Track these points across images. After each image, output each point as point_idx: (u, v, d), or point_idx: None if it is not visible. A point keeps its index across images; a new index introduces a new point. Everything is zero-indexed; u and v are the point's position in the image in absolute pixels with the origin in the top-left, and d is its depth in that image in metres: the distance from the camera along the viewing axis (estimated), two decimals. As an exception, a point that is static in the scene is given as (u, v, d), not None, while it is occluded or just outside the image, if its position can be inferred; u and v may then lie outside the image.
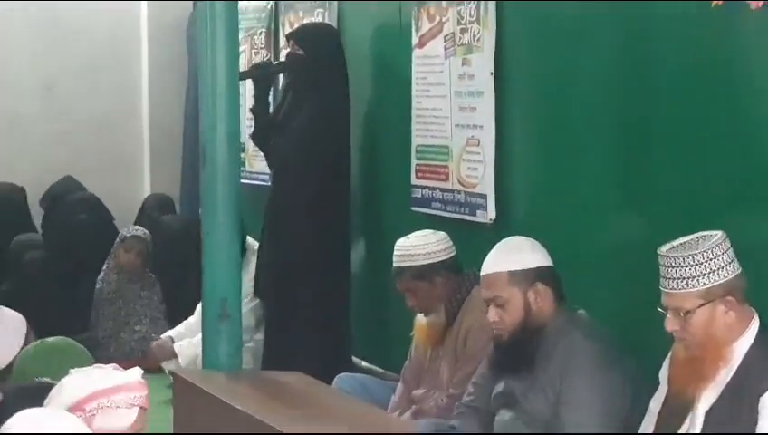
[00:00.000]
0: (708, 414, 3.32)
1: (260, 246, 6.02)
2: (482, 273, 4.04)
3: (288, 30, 6.47)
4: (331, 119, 5.72)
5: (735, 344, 3.32)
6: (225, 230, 4.61)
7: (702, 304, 3.31)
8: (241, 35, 6.93)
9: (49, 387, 2.86)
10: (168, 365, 5.99)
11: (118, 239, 6.88)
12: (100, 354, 6.34)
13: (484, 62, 4.97)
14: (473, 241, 4.78)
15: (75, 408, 2.77)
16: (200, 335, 4.89)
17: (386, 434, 3.74)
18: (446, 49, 5.26)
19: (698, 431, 3.31)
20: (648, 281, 3.54)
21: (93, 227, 7.24)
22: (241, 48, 7.01)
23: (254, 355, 5.89)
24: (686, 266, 3.31)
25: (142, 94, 8.49)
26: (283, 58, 6.33)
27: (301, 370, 4.50)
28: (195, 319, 6.15)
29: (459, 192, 5.21)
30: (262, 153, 6.18)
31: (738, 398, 3.27)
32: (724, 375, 3.31)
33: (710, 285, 3.30)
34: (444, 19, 5.28)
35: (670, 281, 3.34)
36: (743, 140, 3.82)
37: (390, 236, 4.83)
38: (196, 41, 5.82)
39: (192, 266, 5.32)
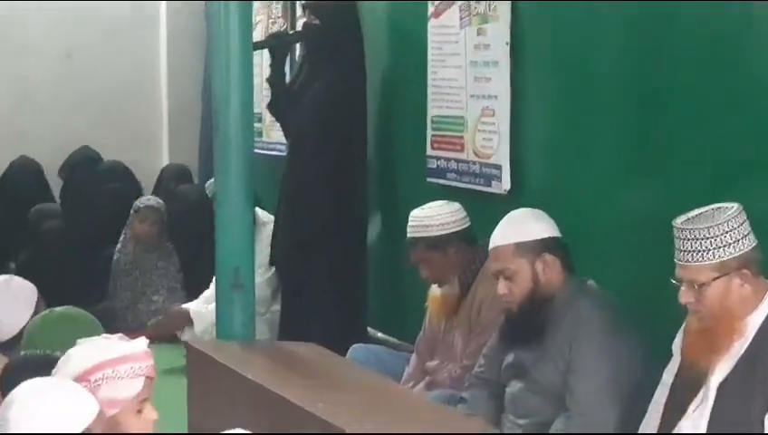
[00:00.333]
0: (721, 387, 3.30)
1: (276, 217, 6.02)
2: (490, 246, 4.03)
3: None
4: (347, 89, 5.71)
5: (750, 317, 3.30)
6: (237, 200, 4.61)
7: (717, 277, 3.29)
8: (258, 5, 6.93)
9: (55, 360, 2.86)
10: (184, 335, 6.00)
11: (132, 210, 6.89)
12: (118, 325, 6.39)
13: (499, 32, 4.94)
14: (488, 212, 4.75)
15: (81, 378, 2.77)
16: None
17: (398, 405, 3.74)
18: (461, 19, 5.22)
19: (711, 403, 3.29)
20: (662, 252, 3.52)
21: (123, 195, 7.25)
22: (258, 18, 7.01)
23: (270, 326, 5.90)
24: (702, 239, 3.28)
25: (161, 64, 8.50)
26: (299, 28, 6.32)
27: (317, 340, 4.50)
28: (211, 291, 6.16)
29: (474, 163, 5.19)
30: (278, 123, 6.17)
31: (752, 371, 3.25)
32: (738, 348, 3.29)
33: (725, 257, 3.28)
34: (459, -12, 5.25)
35: (685, 253, 3.31)
36: (760, 112, 3.78)
37: (406, 207, 4.82)
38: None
39: (209, 236, 5.33)
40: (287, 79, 6.03)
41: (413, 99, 5.66)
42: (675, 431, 3.36)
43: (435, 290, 4.63)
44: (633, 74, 4.30)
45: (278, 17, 7.07)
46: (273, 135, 7.02)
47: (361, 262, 5.82)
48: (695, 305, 3.34)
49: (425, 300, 4.73)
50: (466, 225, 4.57)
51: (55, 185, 7.81)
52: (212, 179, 6.55)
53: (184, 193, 7.40)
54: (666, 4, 4.10)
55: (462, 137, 5.27)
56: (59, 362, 2.84)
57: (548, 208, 4.12)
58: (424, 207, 4.62)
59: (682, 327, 3.49)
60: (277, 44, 5.93)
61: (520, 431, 3.90)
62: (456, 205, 4.59)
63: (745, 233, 3.30)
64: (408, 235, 4.59)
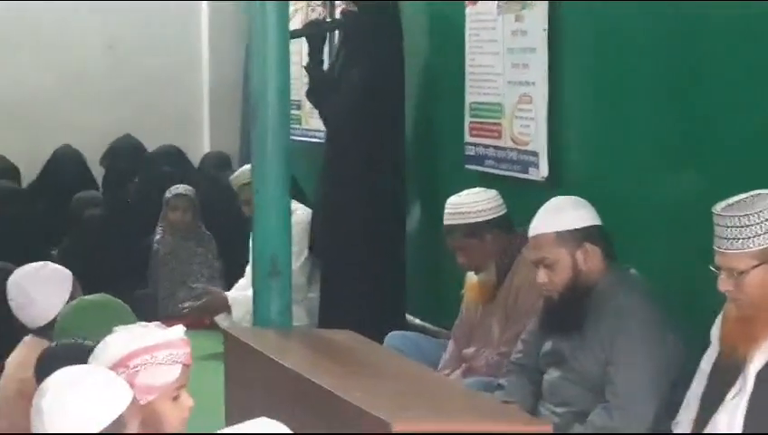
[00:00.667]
0: (760, 375, 3.27)
1: (315, 204, 6.03)
2: (529, 235, 4.01)
3: (344, -12, 6.44)
4: (385, 76, 5.71)
5: (790, 305, 3.26)
6: (275, 187, 4.61)
7: (756, 265, 3.25)
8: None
9: (90, 348, 2.88)
10: (222, 321, 6.03)
11: (164, 202, 6.92)
12: (157, 313, 6.44)
13: (537, 19, 4.93)
14: (526, 199, 4.74)
15: (119, 365, 2.79)
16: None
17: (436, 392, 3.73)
18: (499, 6, 5.22)
19: (749, 392, 3.26)
20: (702, 239, 3.48)
21: (176, 178, 7.29)
22: (297, 6, 7.01)
23: (308, 312, 5.92)
24: (741, 226, 3.24)
25: (202, 51, 8.53)
26: (338, 16, 6.31)
27: (355, 327, 4.50)
28: (245, 280, 6.19)
29: (512, 150, 5.18)
30: (317, 111, 6.18)
31: (791, 359, 3.22)
32: (777, 336, 3.26)
33: (765, 245, 3.24)
34: (497, -25, 5.23)
35: (724, 241, 3.27)
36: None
37: (444, 194, 4.82)
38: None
39: (249, 224, 5.35)
40: (325, 66, 6.03)
41: (451, 86, 5.65)
42: (712, 420, 3.34)
43: (471, 277, 4.63)
44: (672, 60, 4.27)
45: (317, 5, 7.08)
46: (312, 122, 7.03)
47: (400, 249, 5.83)
48: (734, 293, 3.31)
49: (462, 287, 4.73)
50: (503, 212, 4.55)
51: (98, 174, 7.88)
52: (237, 172, 6.61)
53: (225, 181, 7.42)
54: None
55: (500, 124, 5.26)
56: (96, 348, 2.85)
57: (586, 195, 4.10)
58: (461, 194, 4.62)
59: (720, 315, 3.46)
60: (315, 32, 5.94)
61: (557, 419, 3.89)
62: (493, 192, 4.58)
63: (786, 220, 3.26)
64: (445, 222, 4.59)
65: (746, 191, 3.32)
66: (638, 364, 3.74)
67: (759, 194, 3.29)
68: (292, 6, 6.71)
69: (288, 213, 4.77)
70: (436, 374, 4.38)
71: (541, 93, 4.92)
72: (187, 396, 2.90)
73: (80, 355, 2.84)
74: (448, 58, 5.69)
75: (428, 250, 5.84)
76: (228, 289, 6.45)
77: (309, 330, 5.44)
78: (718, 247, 3.31)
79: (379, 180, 5.71)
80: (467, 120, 5.52)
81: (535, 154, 4.99)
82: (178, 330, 2.92)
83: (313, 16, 6.95)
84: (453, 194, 4.66)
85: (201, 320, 6.18)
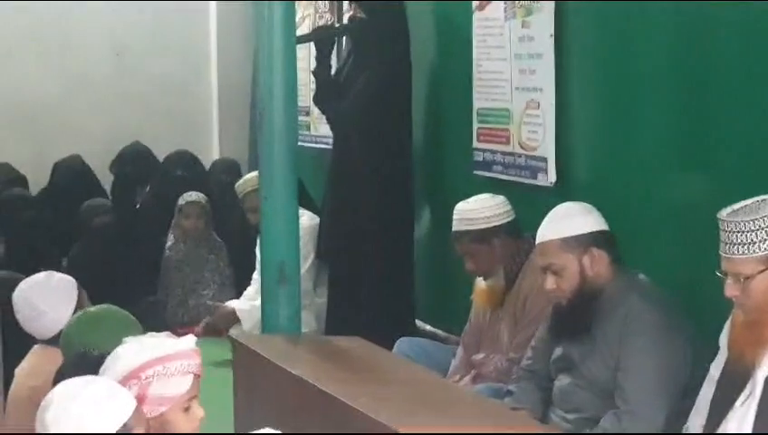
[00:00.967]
0: (768, 380, 3.26)
1: (323, 209, 6.04)
2: (536, 241, 4.01)
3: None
4: (392, 82, 5.71)
5: (797, 310, 3.26)
6: (283, 194, 4.62)
7: (762, 270, 3.24)
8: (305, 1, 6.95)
9: (95, 358, 2.88)
10: (231, 330, 6.02)
11: (176, 209, 6.92)
12: (168, 321, 6.44)
13: (544, 25, 4.92)
14: (534, 204, 4.74)
15: (131, 376, 2.79)
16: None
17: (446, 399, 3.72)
18: (506, 11, 5.22)
19: (758, 397, 3.26)
20: (710, 244, 3.48)
21: (189, 183, 7.30)
22: (306, 12, 7.02)
23: (315, 318, 5.92)
24: (747, 232, 3.24)
25: (211, 56, 8.52)
26: (346, 21, 6.32)
27: (364, 332, 4.50)
28: (253, 289, 6.19)
29: (520, 155, 5.18)
30: (324, 117, 6.18)
31: (800, 364, 3.21)
32: (785, 341, 3.25)
33: (770, 250, 3.24)
34: (504, -19, 5.24)
35: (730, 246, 3.27)
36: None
37: (453, 200, 4.82)
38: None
39: (257, 231, 5.35)
40: (332, 72, 6.04)
41: (459, 92, 5.65)
42: (722, 426, 3.33)
43: (480, 283, 4.63)
44: (679, 65, 4.26)
45: (325, 12, 7.08)
46: (320, 128, 7.03)
47: (408, 255, 5.82)
48: (740, 299, 3.30)
49: (471, 292, 4.73)
50: (511, 217, 4.56)
51: (107, 180, 7.88)
52: (241, 180, 6.62)
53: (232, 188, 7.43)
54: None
55: (507, 129, 5.26)
56: (107, 360, 2.86)
57: (594, 200, 4.10)
58: (469, 200, 4.62)
59: (729, 321, 3.46)
60: (322, 37, 5.94)
61: (568, 426, 3.89)
62: (501, 198, 4.59)
63: (791, 225, 3.26)
64: (454, 228, 4.59)
65: (754, 196, 3.32)
66: (647, 369, 3.74)
67: (764, 199, 3.28)
68: (299, 13, 6.73)
69: (296, 220, 4.78)
70: (445, 381, 4.38)
71: (548, 99, 4.92)
72: (198, 407, 2.91)
73: (89, 367, 2.84)
74: (456, 64, 5.68)
75: (437, 256, 5.84)
76: (239, 296, 6.45)
77: (317, 337, 5.43)
78: (724, 253, 3.30)
79: (387, 186, 5.70)
80: (475, 125, 5.52)
81: (544, 160, 4.98)
82: (190, 340, 2.92)
83: (321, 23, 6.95)
84: (461, 200, 4.67)
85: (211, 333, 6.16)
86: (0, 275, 5.04)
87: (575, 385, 3.92)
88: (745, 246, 3.25)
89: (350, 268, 5.77)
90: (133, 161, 7.76)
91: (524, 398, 4.07)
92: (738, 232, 3.25)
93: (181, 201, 6.92)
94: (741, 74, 3.96)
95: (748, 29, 3.91)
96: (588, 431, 3.83)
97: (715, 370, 3.47)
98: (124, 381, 2.76)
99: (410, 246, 5.84)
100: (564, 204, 4.09)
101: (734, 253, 3.27)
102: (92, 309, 3.48)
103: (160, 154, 7.85)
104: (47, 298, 3.79)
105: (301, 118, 6.46)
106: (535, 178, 5.05)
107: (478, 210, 4.54)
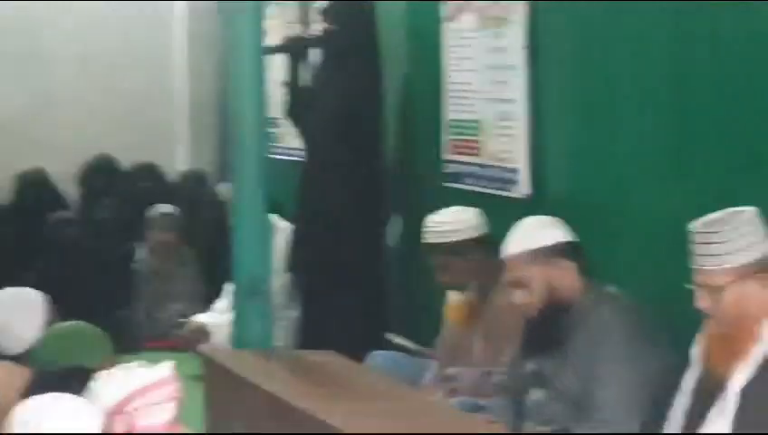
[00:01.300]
0: (743, 392, 3.26)
1: (294, 222, 6.01)
2: (502, 256, 4.00)
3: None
4: (363, 93, 5.72)
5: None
6: (253, 206, 4.59)
7: (733, 281, 3.25)
8: (274, 9, 6.91)
9: (64, 374, 2.86)
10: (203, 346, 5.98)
11: (146, 221, 6.88)
12: (137, 334, 6.39)
13: (516, 36, 4.92)
14: (508, 216, 4.71)
15: (116, 411, 2.79)
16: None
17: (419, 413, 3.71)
18: (477, 22, 5.20)
19: (732, 409, 3.26)
20: (684, 257, 3.48)
21: (153, 195, 7.25)
22: (273, 22, 6.99)
23: (286, 332, 5.89)
24: (717, 243, 3.25)
25: (177, 69, 8.48)
26: (314, 32, 6.30)
27: (336, 346, 4.48)
28: (221, 303, 6.15)
29: (492, 167, 5.17)
30: (296, 128, 6.16)
31: (774, 375, 3.21)
32: (757, 353, 3.25)
33: (741, 262, 3.24)
34: (475, -8, 5.23)
35: (701, 258, 3.29)
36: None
37: (425, 212, 4.80)
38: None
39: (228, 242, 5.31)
40: (303, 83, 6.02)
41: (430, 103, 5.64)
42: (695, 439, 3.33)
43: (453, 296, 4.62)
44: (654, 75, 4.26)
45: (293, 21, 7.06)
46: (291, 140, 7.00)
47: (380, 267, 5.81)
48: (711, 310, 3.31)
49: (443, 305, 4.71)
50: (484, 230, 4.54)
51: (75, 192, 7.82)
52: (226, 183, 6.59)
53: (202, 198, 7.40)
54: (688, 4, 4.05)
55: (479, 141, 5.25)
56: (86, 397, 2.83)
57: (570, 212, 4.11)
58: (440, 212, 4.61)
59: (700, 333, 3.46)
60: (293, 48, 5.92)
61: (541, 439, 3.88)
62: (473, 210, 4.57)
63: (761, 237, 3.27)
64: (426, 240, 4.57)
65: (729, 208, 3.33)
66: (619, 379, 3.74)
67: (734, 212, 3.30)
68: (268, 22, 6.70)
69: (268, 232, 4.75)
70: (419, 394, 4.36)
71: (521, 110, 4.91)
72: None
73: (70, 381, 2.82)
74: (427, 75, 5.67)
75: (409, 268, 5.83)
76: (209, 310, 6.41)
77: (289, 351, 5.40)
78: (695, 265, 3.31)
79: (358, 199, 5.69)
80: (446, 137, 5.51)
81: (515, 171, 4.98)
82: (166, 368, 2.91)
83: (289, 33, 6.92)
84: (433, 212, 4.65)
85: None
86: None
87: (549, 398, 3.91)
88: (715, 258, 3.26)
89: (321, 282, 5.75)
90: (100, 174, 7.72)
91: (499, 412, 4.06)
92: (708, 243, 3.27)
93: (152, 213, 6.87)
94: (720, 86, 3.96)
95: (726, 40, 3.92)
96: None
97: (687, 382, 3.47)
98: (110, 418, 2.74)
99: (382, 258, 5.82)
100: (528, 218, 4.09)
101: (704, 264, 3.28)
102: (63, 325, 3.46)
103: (127, 166, 7.81)
104: (15, 314, 3.75)
105: (271, 129, 6.43)
106: (508, 189, 5.04)
107: (450, 223, 4.52)
